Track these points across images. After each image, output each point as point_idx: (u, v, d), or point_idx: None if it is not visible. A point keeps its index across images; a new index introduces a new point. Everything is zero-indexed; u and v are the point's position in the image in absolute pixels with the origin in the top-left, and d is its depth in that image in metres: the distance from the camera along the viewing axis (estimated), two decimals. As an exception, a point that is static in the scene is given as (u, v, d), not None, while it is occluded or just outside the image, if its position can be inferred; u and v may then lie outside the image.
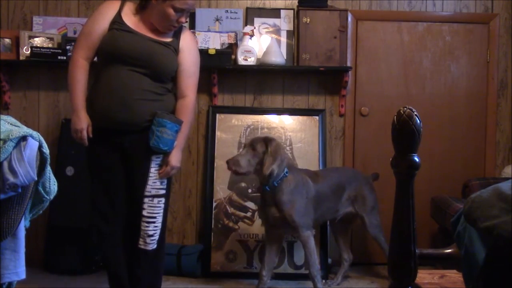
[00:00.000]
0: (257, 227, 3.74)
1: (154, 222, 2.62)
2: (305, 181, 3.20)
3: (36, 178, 2.00)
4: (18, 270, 2.05)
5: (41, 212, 2.20)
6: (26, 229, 2.13)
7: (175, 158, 2.63)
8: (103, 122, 2.58)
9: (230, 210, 3.78)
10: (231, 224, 3.75)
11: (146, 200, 2.60)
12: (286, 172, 3.11)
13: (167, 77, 2.65)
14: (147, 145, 2.57)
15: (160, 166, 2.62)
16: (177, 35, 2.69)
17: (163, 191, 2.64)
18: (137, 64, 2.55)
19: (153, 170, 2.61)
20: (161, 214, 2.64)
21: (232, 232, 3.74)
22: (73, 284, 3.48)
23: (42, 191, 2.11)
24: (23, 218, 2.04)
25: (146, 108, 2.57)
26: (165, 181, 2.65)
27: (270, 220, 3.18)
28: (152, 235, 2.61)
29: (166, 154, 2.61)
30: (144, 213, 2.60)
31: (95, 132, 2.59)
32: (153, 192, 2.61)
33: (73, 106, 2.58)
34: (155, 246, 2.64)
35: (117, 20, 2.59)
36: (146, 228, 2.60)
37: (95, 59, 2.67)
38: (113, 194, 2.67)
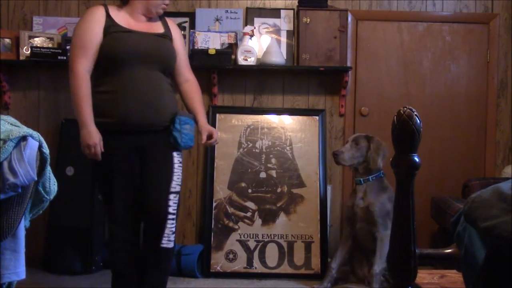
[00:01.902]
0: (257, 227, 3.74)
1: (175, 219, 2.66)
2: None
3: (36, 178, 2.00)
4: (18, 270, 2.05)
5: (41, 212, 2.20)
6: (26, 229, 2.13)
7: (209, 126, 2.78)
8: (124, 126, 2.56)
9: (230, 210, 3.78)
10: (231, 224, 3.75)
11: (171, 196, 2.63)
12: (382, 173, 3.36)
13: (172, 69, 2.73)
14: (168, 143, 2.63)
15: (180, 160, 2.69)
16: (165, 24, 2.76)
17: (180, 187, 2.69)
18: (149, 61, 2.59)
19: (176, 166, 2.66)
20: (177, 210, 2.68)
21: (232, 232, 3.74)
22: (73, 284, 3.48)
23: (42, 191, 2.11)
24: (23, 218, 2.04)
25: (166, 107, 2.63)
26: (181, 177, 2.70)
27: (354, 210, 3.34)
28: (174, 232, 2.65)
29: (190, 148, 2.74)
30: (170, 210, 2.62)
31: (112, 138, 2.55)
32: (177, 188, 2.66)
33: (81, 121, 2.51)
34: (173, 243, 2.66)
35: (111, 24, 2.59)
36: (171, 226, 2.62)
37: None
38: (129, 196, 2.64)
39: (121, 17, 2.65)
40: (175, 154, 2.66)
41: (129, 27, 2.62)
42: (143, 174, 2.64)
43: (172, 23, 2.83)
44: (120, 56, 2.55)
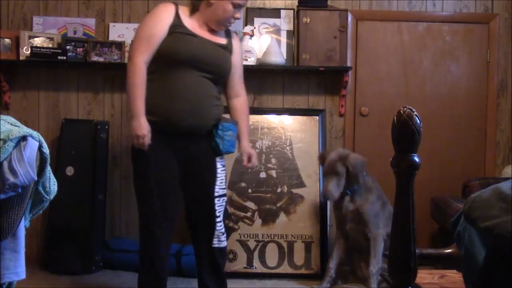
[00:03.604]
0: (257, 227, 3.74)
1: (221, 221, 2.81)
2: (384, 197, 3.39)
3: (36, 178, 2.00)
4: (18, 270, 2.05)
5: (41, 212, 2.20)
6: (26, 229, 2.13)
7: (250, 149, 2.90)
8: (169, 127, 2.61)
9: (230, 210, 3.77)
10: (231, 224, 3.75)
11: (215, 200, 2.76)
12: (365, 174, 3.32)
13: (224, 80, 2.79)
14: (211, 148, 2.71)
15: (223, 165, 2.81)
16: (229, 37, 2.80)
17: (225, 191, 2.84)
18: (205, 69, 2.62)
19: (219, 171, 2.78)
20: (223, 212, 2.84)
21: (232, 232, 3.74)
22: (73, 284, 3.48)
23: (42, 191, 2.11)
24: (23, 218, 2.04)
25: (213, 114, 2.68)
26: (225, 181, 2.83)
27: (343, 212, 3.32)
28: (224, 233, 2.82)
29: (230, 152, 2.80)
30: (216, 213, 2.77)
31: (156, 136, 2.59)
32: (220, 192, 2.79)
33: (134, 111, 2.57)
34: (225, 243, 2.86)
35: (178, 23, 2.62)
36: (220, 227, 2.78)
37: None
38: (169, 197, 2.69)
39: (189, 20, 2.68)
40: (217, 159, 2.76)
41: (193, 31, 2.65)
42: (186, 177, 2.72)
43: (237, 38, 2.88)
44: (177, 57, 2.59)
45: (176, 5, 2.69)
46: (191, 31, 2.64)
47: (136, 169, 2.74)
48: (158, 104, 2.59)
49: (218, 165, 2.77)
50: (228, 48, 2.76)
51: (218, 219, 2.77)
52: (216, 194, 2.75)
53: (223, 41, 2.75)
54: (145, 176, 2.68)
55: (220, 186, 2.78)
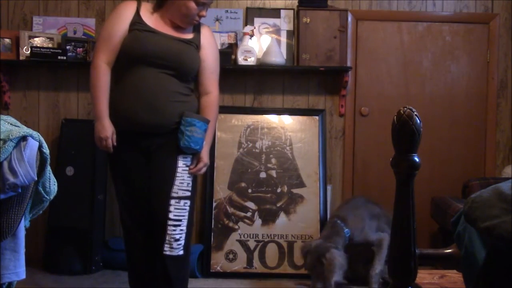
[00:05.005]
0: (257, 227, 3.74)
1: (180, 226, 2.51)
2: (382, 213, 3.43)
3: (36, 178, 2.00)
4: (18, 270, 2.05)
5: (41, 212, 2.20)
6: (26, 229, 2.13)
7: (206, 155, 2.63)
8: (129, 126, 2.54)
9: (230, 210, 3.78)
10: (231, 224, 3.75)
11: (172, 202, 2.51)
12: (347, 233, 3.26)
13: (191, 76, 2.64)
14: (174, 146, 2.53)
15: (187, 165, 2.58)
16: (197, 31, 2.67)
17: (188, 193, 2.56)
18: (164, 65, 2.52)
19: (180, 170, 2.54)
20: (187, 217, 2.54)
21: (232, 232, 3.74)
22: (73, 284, 3.48)
23: (42, 191, 2.11)
24: (23, 218, 2.04)
25: (174, 110, 2.53)
26: (191, 182, 2.58)
27: None
28: (178, 239, 2.50)
29: (196, 152, 2.58)
30: (171, 215, 2.50)
31: (120, 136, 2.54)
32: (180, 193, 2.53)
33: (96, 113, 2.52)
34: (181, 252, 2.52)
35: (137, 21, 2.55)
36: (173, 232, 2.49)
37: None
38: (139, 198, 2.61)
39: (150, 17, 2.60)
40: (180, 158, 2.55)
41: (155, 27, 2.57)
42: (149, 176, 2.59)
43: (207, 32, 2.71)
44: (133, 55, 2.51)
45: (139, 2, 2.62)
46: (151, 27, 2.56)
47: (110, 172, 2.73)
48: (117, 104, 2.54)
49: (180, 163, 2.54)
50: (193, 43, 2.61)
51: (171, 223, 2.49)
52: (173, 195, 2.50)
53: (188, 36, 2.62)
54: (115, 180, 2.67)
55: (180, 187, 2.52)
